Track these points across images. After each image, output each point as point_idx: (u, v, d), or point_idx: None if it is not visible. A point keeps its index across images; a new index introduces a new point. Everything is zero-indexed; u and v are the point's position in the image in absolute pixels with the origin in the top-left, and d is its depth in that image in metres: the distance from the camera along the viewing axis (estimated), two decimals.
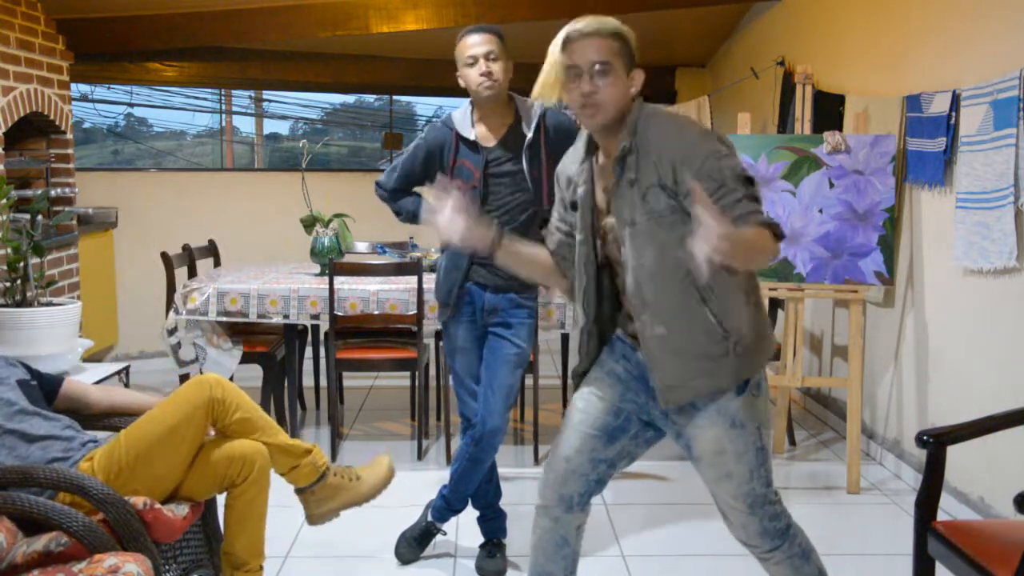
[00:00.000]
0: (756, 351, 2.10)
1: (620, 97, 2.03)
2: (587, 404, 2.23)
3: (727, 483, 2.12)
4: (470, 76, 2.92)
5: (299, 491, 2.75)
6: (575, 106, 2.06)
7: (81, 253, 5.61)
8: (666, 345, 2.07)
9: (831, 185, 3.95)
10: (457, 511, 3.23)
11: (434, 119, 4.87)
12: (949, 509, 3.50)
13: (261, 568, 2.67)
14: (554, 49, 2.06)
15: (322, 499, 2.74)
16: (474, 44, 2.90)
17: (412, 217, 3.26)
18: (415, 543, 3.24)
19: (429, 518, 3.25)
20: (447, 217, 2.12)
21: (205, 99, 10.18)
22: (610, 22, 2.04)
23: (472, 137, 3.02)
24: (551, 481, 2.23)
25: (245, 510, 2.58)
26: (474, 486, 3.16)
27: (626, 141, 2.04)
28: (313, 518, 2.77)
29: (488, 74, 2.89)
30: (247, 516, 2.59)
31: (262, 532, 2.65)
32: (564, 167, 2.26)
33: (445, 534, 3.31)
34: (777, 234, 1.91)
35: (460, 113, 3.06)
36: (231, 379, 2.89)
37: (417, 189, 3.26)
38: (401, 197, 3.24)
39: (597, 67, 2.01)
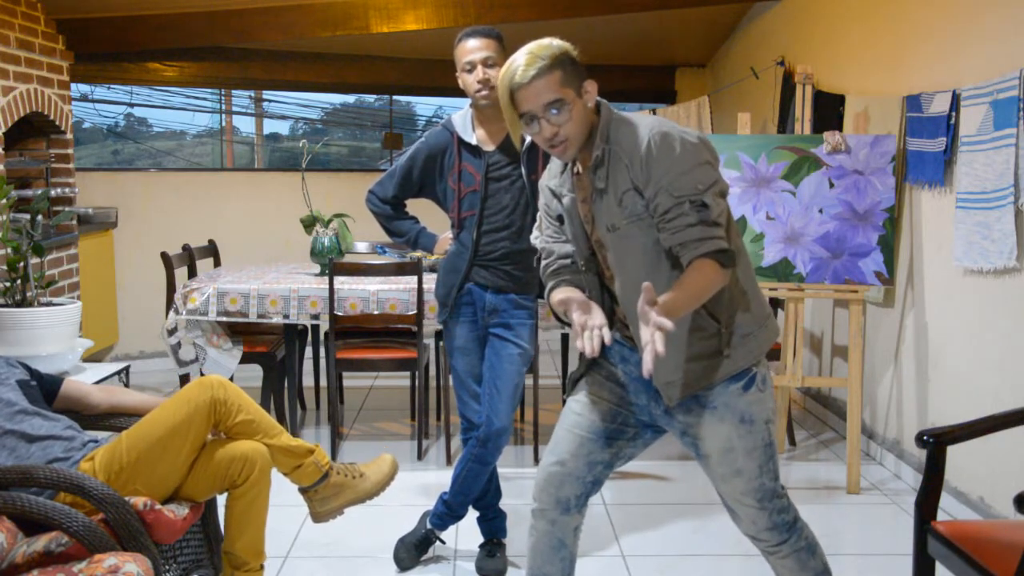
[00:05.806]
0: (755, 336, 2.10)
1: (582, 123, 2.02)
2: (583, 407, 2.22)
3: (736, 480, 2.12)
4: (468, 82, 2.91)
5: (303, 490, 2.76)
6: (545, 147, 2.06)
7: (81, 253, 5.61)
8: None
9: (831, 185, 3.95)
10: (459, 517, 3.21)
11: (434, 120, 4.87)
12: (949, 509, 3.50)
13: (262, 568, 2.67)
14: (504, 97, 2.02)
15: (326, 498, 2.75)
16: (472, 50, 2.88)
17: (411, 244, 3.26)
18: (414, 549, 3.22)
19: (428, 526, 3.23)
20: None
21: (205, 99, 10.17)
22: (542, 56, 1.98)
23: (473, 141, 3.02)
24: (547, 484, 2.21)
25: (246, 511, 2.59)
26: (479, 488, 3.14)
27: (599, 150, 2.04)
28: (317, 516, 2.78)
29: (485, 82, 2.87)
30: (247, 516, 2.60)
31: (262, 532, 2.66)
32: (546, 180, 2.24)
33: (444, 543, 3.29)
34: (724, 262, 1.93)
35: (460, 117, 3.06)
36: (231, 379, 2.89)
37: (410, 202, 3.24)
38: (398, 216, 3.24)
39: (551, 110, 1.99)
